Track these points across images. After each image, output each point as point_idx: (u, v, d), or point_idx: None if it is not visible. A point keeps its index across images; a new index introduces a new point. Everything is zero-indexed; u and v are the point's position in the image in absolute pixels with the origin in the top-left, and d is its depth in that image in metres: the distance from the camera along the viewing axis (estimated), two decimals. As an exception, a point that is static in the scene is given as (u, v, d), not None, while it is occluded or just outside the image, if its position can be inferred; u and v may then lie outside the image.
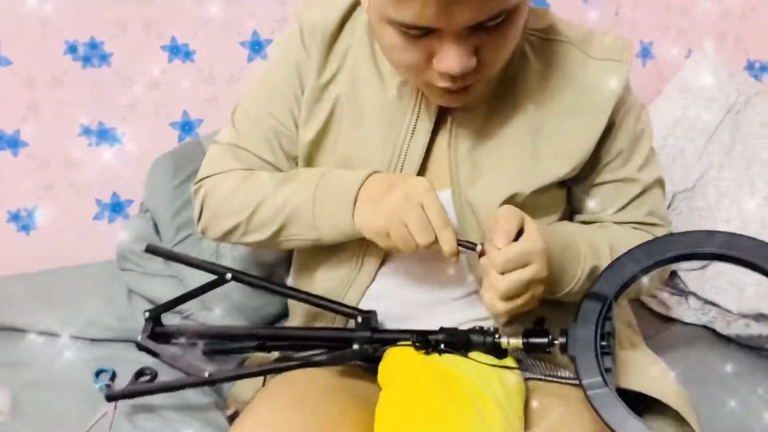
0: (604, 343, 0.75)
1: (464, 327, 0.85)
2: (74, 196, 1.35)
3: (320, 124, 0.88)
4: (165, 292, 1.14)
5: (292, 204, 0.85)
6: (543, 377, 0.91)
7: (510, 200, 0.83)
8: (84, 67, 1.29)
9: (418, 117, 0.85)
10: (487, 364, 0.80)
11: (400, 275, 0.90)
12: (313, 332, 0.92)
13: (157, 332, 0.98)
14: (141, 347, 0.97)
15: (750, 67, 1.61)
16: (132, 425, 0.95)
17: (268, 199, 0.87)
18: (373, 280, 0.90)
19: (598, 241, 0.86)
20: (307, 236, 0.86)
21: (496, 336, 0.81)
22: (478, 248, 0.77)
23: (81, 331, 1.14)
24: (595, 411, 0.71)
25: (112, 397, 0.95)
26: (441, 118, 0.86)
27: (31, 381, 1.02)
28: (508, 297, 0.74)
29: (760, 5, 1.58)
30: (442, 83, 0.74)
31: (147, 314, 0.98)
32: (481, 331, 0.83)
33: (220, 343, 0.99)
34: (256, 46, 1.37)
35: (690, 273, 1.25)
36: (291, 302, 1.03)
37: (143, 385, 0.96)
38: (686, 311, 1.22)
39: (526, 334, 0.80)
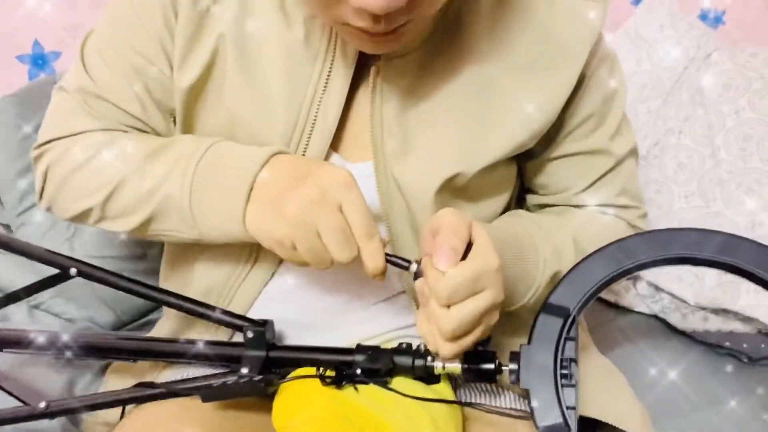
0: (565, 371, 0.63)
1: (386, 339, 0.74)
2: None
3: (200, 68, 0.70)
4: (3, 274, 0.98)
5: (162, 191, 0.67)
6: (484, 408, 0.75)
7: (450, 181, 0.70)
8: None
9: (332, 66, 0.68)
10: (417, 398, 0.64)
11: (305, 272, 0.73)
12: (189, 347, 0.72)
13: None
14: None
15: (703, 17, 1.48)
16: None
17: (130, 179, 0.69)
18: (272, 276, 0.75)
19: (559, 237, 0.72)
20: (185, 234, 0.69)
21: (429, 359, 0.66)
22: (413, 267, 0.63)
23: None
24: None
25: None
26: (362, 67, 0.69)
27: None
28: (455, 336, 0.57)
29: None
30: (360, 23, 0.56)
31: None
32: (409, 350, 0.68)
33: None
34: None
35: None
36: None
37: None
38: (634, 298, 1.09)
39: (467, 359, 0.65)
